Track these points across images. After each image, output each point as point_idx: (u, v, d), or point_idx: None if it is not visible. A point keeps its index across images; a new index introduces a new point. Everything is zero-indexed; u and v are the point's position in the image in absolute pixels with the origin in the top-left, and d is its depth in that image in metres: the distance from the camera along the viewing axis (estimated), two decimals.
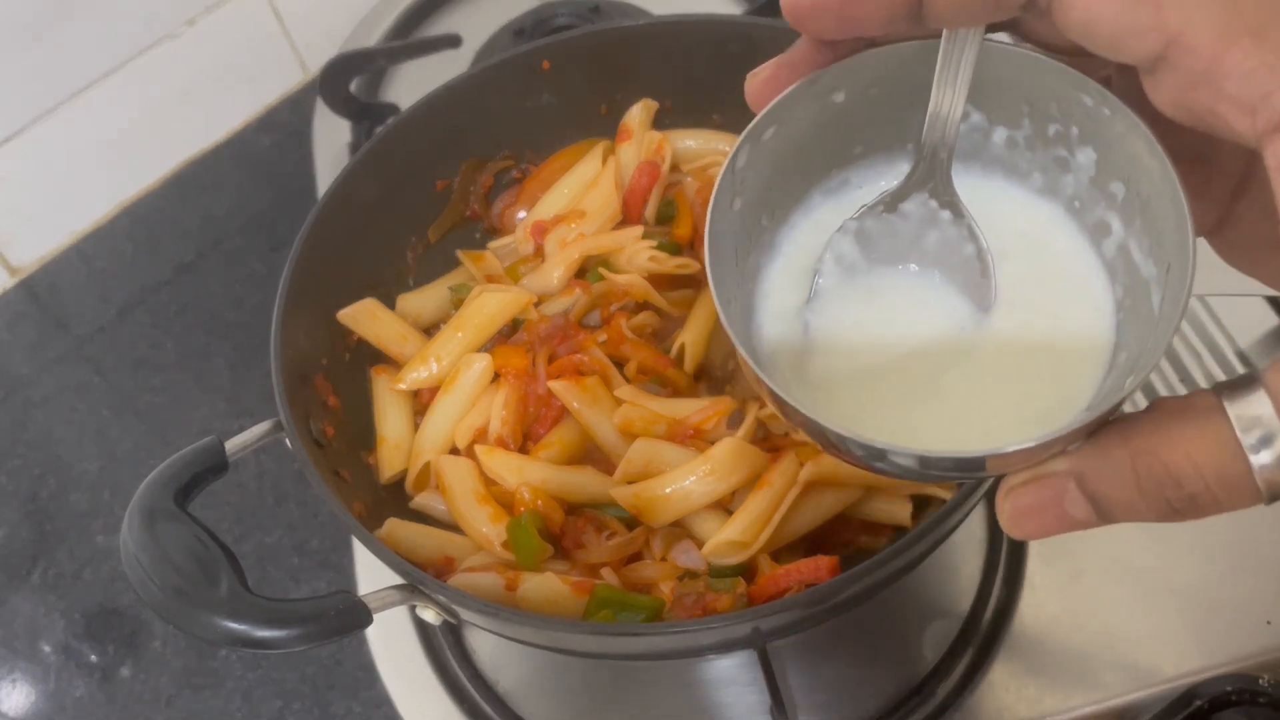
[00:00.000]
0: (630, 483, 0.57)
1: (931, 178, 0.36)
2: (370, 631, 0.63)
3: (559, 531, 0.58)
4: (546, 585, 0.54)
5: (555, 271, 0.66)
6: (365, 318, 0.65)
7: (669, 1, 0.82)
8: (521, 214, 0.72)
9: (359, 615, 0.48)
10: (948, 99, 0.34)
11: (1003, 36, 0.34)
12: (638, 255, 0.65)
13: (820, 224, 0.38)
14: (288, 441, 0.55)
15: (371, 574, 0.67)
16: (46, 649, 0.72)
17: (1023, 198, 0.38)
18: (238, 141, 0.96)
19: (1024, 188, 0.37)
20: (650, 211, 0.69)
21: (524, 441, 0.62)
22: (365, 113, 0.84)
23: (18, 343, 0.87)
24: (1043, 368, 0.35)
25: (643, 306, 0.65)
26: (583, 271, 0.67)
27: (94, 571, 0.75)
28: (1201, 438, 0.28)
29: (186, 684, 0.69)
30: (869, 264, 0.37)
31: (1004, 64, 0.34)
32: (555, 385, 0.60)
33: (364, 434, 0.64)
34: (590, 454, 0.61)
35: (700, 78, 0.70)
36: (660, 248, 0.66)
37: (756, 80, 0.35)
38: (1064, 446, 0.30)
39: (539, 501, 0.57)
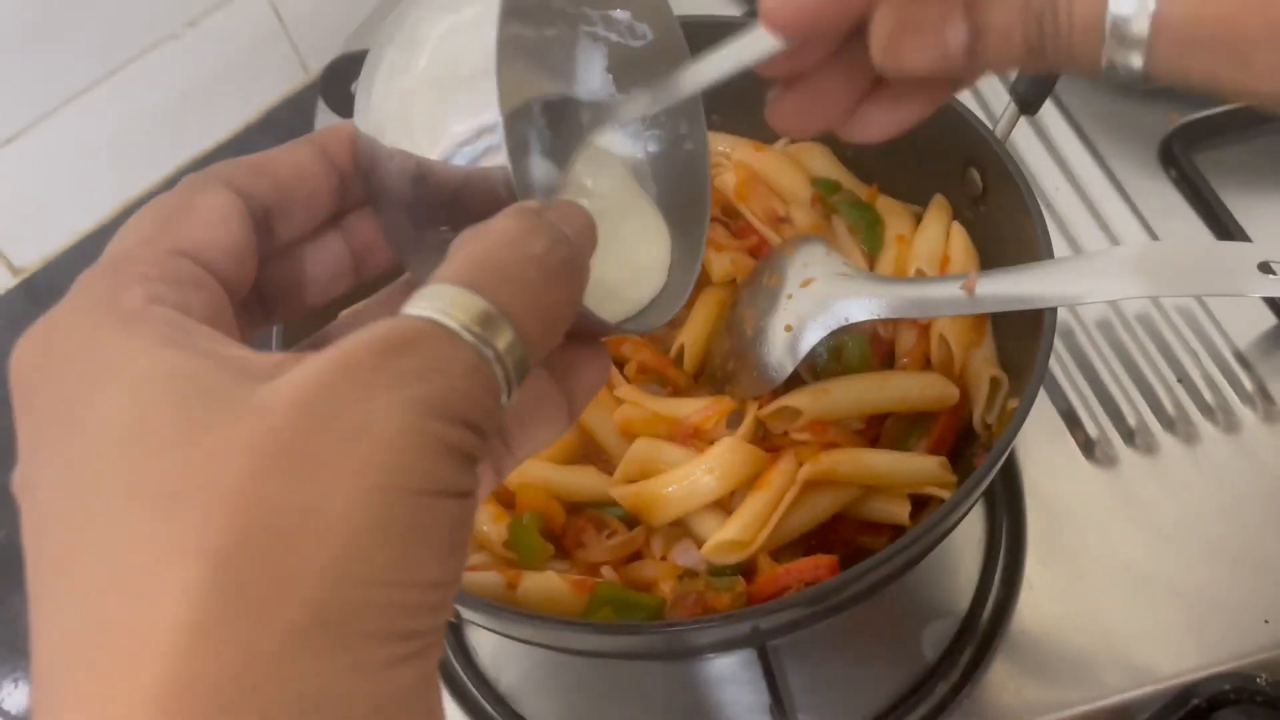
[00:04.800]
0: (630, 482, 0.58)
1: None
2: None
3: (560, 531, 0.58)
4: (547, 584, 0.54)
5: None
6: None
7: (669, 2, 0.82)
8: None
9: None
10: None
11: None
12: None
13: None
14: None
15: None
16: None
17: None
18: (239, 142, 0.96)
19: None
20: None
21: None
22: None
23: None
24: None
25: None
26: None
27: None
28: None
29: None
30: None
31: None
32: None
33: None
34: (590, 454, 0.61)
35: None
36: None
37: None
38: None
39: (540, 501, 0.58)
